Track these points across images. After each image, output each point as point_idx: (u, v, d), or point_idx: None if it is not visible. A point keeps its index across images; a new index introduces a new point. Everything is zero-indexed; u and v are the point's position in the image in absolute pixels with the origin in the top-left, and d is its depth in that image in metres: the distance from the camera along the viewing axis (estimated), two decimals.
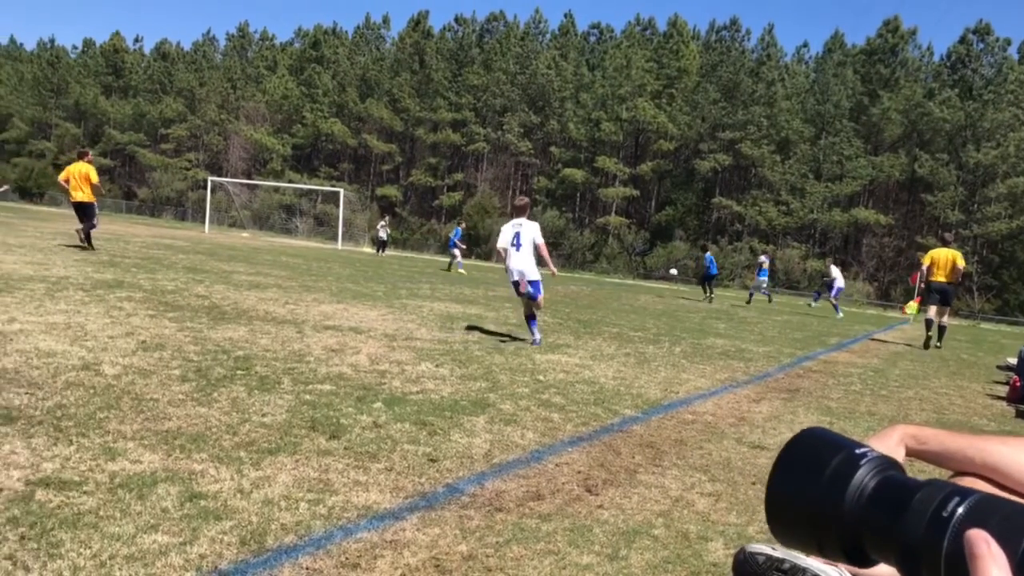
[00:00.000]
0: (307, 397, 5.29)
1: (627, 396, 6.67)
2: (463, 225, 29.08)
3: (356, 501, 3.48)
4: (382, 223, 36.40)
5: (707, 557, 3.30)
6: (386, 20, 73.02)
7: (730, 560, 2.10)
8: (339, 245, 40.75)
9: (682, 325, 14.49)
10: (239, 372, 5.84)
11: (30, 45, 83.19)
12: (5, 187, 63.03)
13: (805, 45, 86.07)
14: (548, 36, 67.73)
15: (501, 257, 9.64)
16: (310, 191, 58.44)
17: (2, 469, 3.40)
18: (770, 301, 29.40)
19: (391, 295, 13.58)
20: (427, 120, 61.94)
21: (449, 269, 27.10)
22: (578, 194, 61.53)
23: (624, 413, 5.99)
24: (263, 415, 4.72)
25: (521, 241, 9.24)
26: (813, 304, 28.41)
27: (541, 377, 7.06)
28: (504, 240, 9.39)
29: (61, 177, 16.60)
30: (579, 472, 4.34)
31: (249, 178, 60.55)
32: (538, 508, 3.68)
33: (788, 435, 1.66)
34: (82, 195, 16.15)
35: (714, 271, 26.60)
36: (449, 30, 67.51)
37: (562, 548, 3.23)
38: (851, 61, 56.69)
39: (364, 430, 4.63)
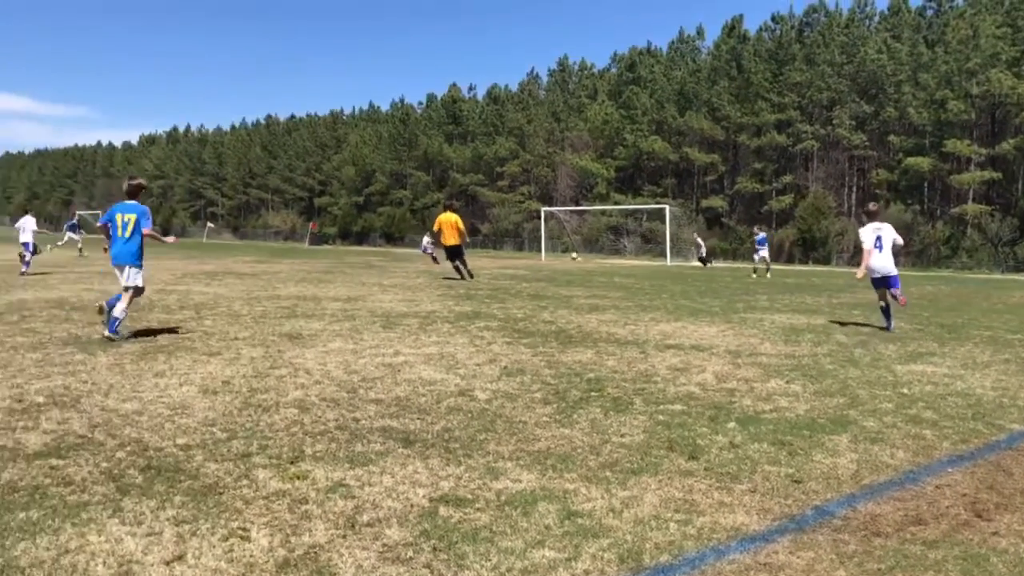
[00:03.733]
0: (660, 417, 5.41)
1: (1012, 409, 5.94)
2: (766, 231, 29.14)
3: (724, 522, 3.50)
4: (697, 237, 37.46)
5: None
6: (700, 31, 72.33)
7: None
8: (668, 261, 40.97)
9: None
10: (593, 394, 6.14)
11: (385, 106, 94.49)
12: (315, 228, 72.37)
13: None
14: (876, 19, 62.74)
15: (861, 258, 10.94)
16: (635, 210, 59.59)
17: (409, 487, 3.92)
18: None
19: (728, 310, 13.37)
20: (749, 125, 60.18)
21: (756, 273, 27.42)
22: (925, 184, 55.88)
23: (1011, 428, 5.35)
24: (622, 436, 4.92)
25: (883, 243, 10.65)
26: None
27: (905, 390, 6.54)
28: (868, 242, 10.71)
29: (435, 227, 19.42)
30: (964, 495, 3.96)
31: (577, 204, 63.21)
32: (921, 534, 3.43)
33: None
34: (453, 240, 18.96)
35: None
36: (766, 30, 65.28)
37: None
38: None
39: (722, 450, 4.63)
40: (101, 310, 8.82)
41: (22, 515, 3.45)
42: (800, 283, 23.17)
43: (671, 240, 43.33)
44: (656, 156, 64.11)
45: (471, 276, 19.42)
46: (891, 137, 56.16)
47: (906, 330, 10.84)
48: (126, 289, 8.82)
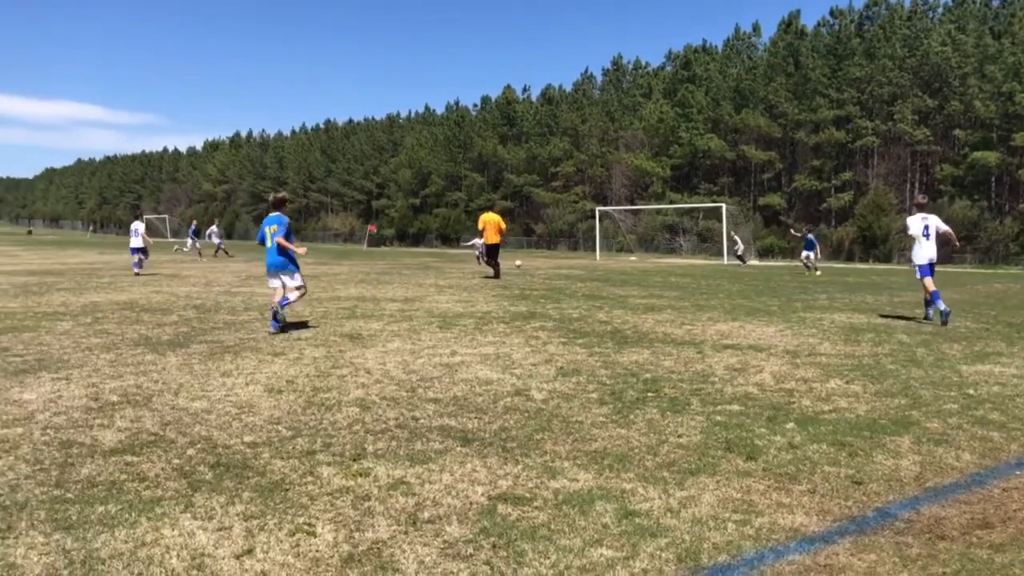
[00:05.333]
0: (718, 418, 5.39)
1: None
2: (812, 232, 29.23)
3: (782, 523, 3.50)
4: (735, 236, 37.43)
5: None
6: (756, 28, 71.18)
7: None
8: (724, 260, 40.48)
9: None
10: (650, 394, 6.14)
11: (440, 109, 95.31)
12: (372, 231, 73.22)
13: None
14: (940, 10, 61.09)
15: (908, 246, 11.77)
16: (691, 209, 59.01)
17: (468, 485, 4.00)
18: None
19: (786, 309, 13.19)
20: (807, 122, 59.09)
21: (809, 270, 27.23)
22: (992, 179, 54.21)
23: None
24: (679, 436, 4.92)
25: (930, 232, 11.21)
26: None
27: (971, 391, 6.39)
28: (916, 230, 11.24)
29: (479, 226, 20.42)
30: None
31: (632, 203, 62.89)
32: (987, 537, 3.37)
33: None
34: (494, 239, 19.97)
35: None
36: (824, 25, 64.05)
37: None
38: None
39: (780, 451, 4.61)
40: (276, 315, 9.46)
41: (101, 509, 3.61)
42: (860, 282, 22.71)
43: (728, 239, 42.84)
44: (712, 154, 63.39)
45: (496, 275, 20.46)
46: (956, 131, 54.61)
47: (972, 329, 10.57)
48: (295, 289, 9.73)
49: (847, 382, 6.70)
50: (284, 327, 9.49)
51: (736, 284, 20.17)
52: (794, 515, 3.59)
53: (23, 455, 4.43)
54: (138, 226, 22.24)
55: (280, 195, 10.28)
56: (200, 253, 35.71)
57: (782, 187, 63.53)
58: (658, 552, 3.18)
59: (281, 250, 9.67)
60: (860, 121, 57.49)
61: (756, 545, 3.26)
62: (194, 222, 43.68)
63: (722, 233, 43.28)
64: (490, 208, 22.05)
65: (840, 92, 58.02)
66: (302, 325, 10.17)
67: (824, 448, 4.66)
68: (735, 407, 5.72)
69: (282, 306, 9.55)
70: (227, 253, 34.75)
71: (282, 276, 9.71)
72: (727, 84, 65.11)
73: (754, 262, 42.74)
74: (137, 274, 20.87)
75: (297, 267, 9.85)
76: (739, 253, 38.28)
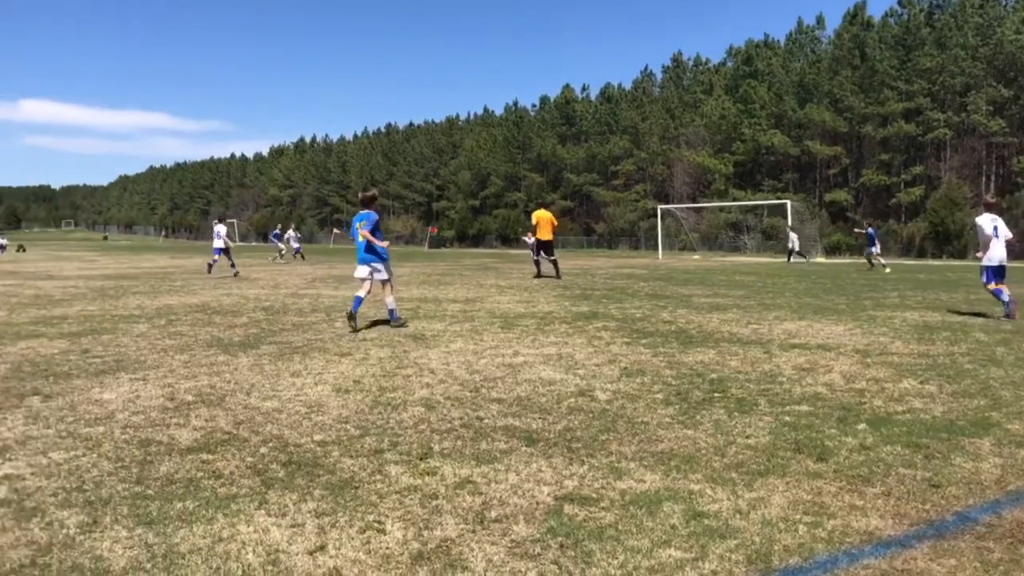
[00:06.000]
0: (786, 418, 5.30)
1: None
2: (873, 228, 29.01)
3: (856, 526, 3.42)
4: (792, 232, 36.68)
5: None
6: (820, 21, 69.47)
7: None
8: (790, 258, 39.69)
9: None
10: (716, 395, 6.07)
11: (499, 111, 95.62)
12: (434, 231, 73.72)
13: None
14: None
15: (984, 246, 11.49)
16: (755, 206, 58.02)
17: (534, 485, 4.01)
18: None
19: (855, 307, 12.88)
20: (874, 115, 57.52)
21: (876, 266, 27.02)
22: None
23: None
24: (747, 437, 4.85)
25: (999, 233, 11.34)
26: None
27: None
28: (988, 230, 11.33)
29: (533, 221, 20.77)
30: None
31: (694, 201, 62.10)
32: None
33: None
34: (547, 235, 20.35)
35: None
36: (891, 15, 62.31)
37: None
38: None
39: (852, 452, 4.51)
40: (351, 316, 9.91)
41: (179, 505, 3.73)
42: (933, 279, 22.03)
43: (785, 236, 41.98)
44: (776, 150, 62.23)
45: (538, 276, 21.03)
46: None
47: None
48: (383, 283, 10.26)
49: (921, 382, 6.51)
50: (355, 327, 9.87)
51: (803, 282, 19.78)
52: (868, 518, 3.51)
53: (105, 452, 4.60)
54: (220, 228, 23.40)
55: (369, 193, 10.62)
56: (281, 255, 36.45)
57: (849, 183, 62.02)
58: (727, 554, 3.15)
59: (369, 245, 10.05)
60: (931, 113, 55.76)
61: (829, 548, 3.20)
62: (279, 226, 44.61)
63: (787, 230, 42.47)
64: (544, 205, 22.51)
65: (909, 84, 56.37)
66: (375, 324, 10.33)
67: (898, 450, 4.54)
68: (804, 407, 5.61)
69: (355, 310, 9.96)
70: (302, 257, 35.44)
71: (372, 266, 10.16)
72: (790, 79, 63.85)
73: (820, 259, 41.84)
74: (209, 269, 22.57)
75: (385, 261, 10.23)
76: (794, 249, 37.56)
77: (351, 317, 9.90)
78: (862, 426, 5.07)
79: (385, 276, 10.25)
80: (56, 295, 15.93)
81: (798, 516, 3.54)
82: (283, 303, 13.85)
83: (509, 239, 74.99)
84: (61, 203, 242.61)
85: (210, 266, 23.44)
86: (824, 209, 60.30)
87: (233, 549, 3.23)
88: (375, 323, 10.65)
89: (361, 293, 10.12)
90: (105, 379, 6.83)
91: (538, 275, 21.11)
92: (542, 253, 20.96)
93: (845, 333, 9.59)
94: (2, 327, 10.59)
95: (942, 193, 52.85)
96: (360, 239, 10.10)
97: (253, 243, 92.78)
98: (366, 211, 10.21)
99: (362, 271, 10.22)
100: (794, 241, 37.82)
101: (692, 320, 10.99)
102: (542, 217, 20.47)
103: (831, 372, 6.99)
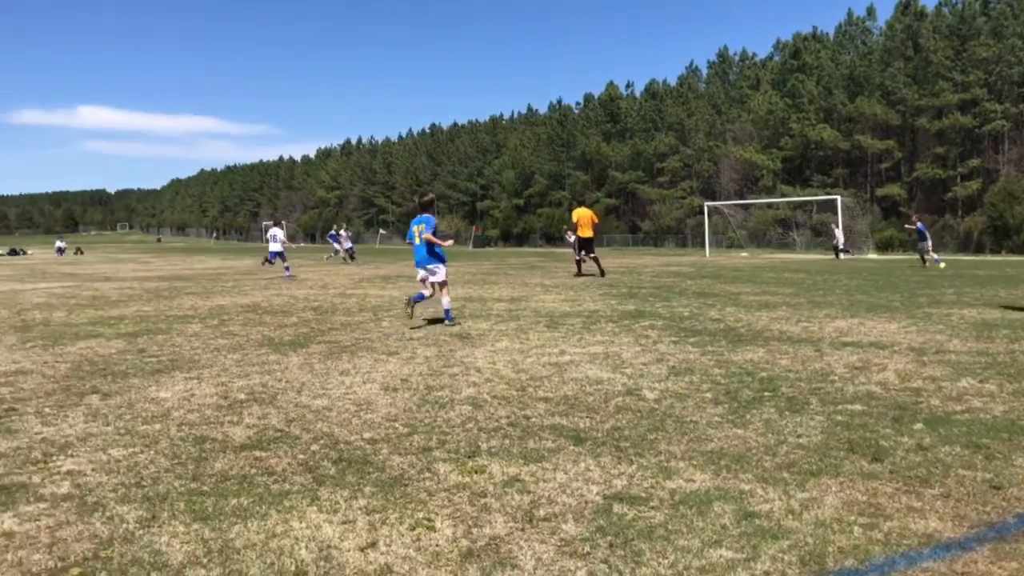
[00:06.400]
0: (839, 418, 5.21)
1: None
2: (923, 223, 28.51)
3: (914, 528, 3.35)
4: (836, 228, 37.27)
5: None
6: (870, 11, 68.04)
7: None
8: (838, 255, 39.00)
9: None
10: (766, 393, 5.99)
11: (543, 109, 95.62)
12: (477, 231, 73.76)
13: None
14: None
15: None
16: (804, 202, 57.11)
17: (583, 484, 4.00)
18: None
19: (910, 304, 12.60)
20: (928, 107, 56.24)
21: (926, 263, 26.44)
22: None
23: None
24: (798, 436, 4.78)
25: None
26: None
27: None
28: None
29: (574, 219, 21.05)
30: None
31: (742, 198, 61.32)
32: None
33: None
34: (588, 233, 20.59)
35: None
36: (945, 4, 60.81)
37: None
38: None
39: (908, 452, 4.41)
40: (409, 302, 10.45)
41: (234, 501, 3.80)
42: (992, 275, 21.45)
43: (844, 232, 41.25)
44: (825, 145, 61.19)
45: (579, 274, 21.00)
46: None
47: None
48: (440, 285, 10.52)
49: (981, 381, 6.34)
50: (411, 313, 10.46)
51: (854, 279, 19.40)
52: (926, 520, 3.43)
53: (162, 449, 4.71)
54: (276, 232, 23.99)
55: (427, 197, 11.01)
56: (337, 254, 36.69)
57: (901, 177, 60.72)
58: (780, 554, 3.10)
59: (429, 247, 10.40)
60: (988, 104, 54.32)
61: (885, 550, 3.14)
62: (334, 227, 44.71)
63: (832, 227, 41.75)
64: (584, 203, 22.63)
65: (965, 74, 54.98)
66: (432, 323, 10.43)
67: (957, 450, 4.43)
68: (857, 407, 5.51)
69: (417, 300, 10.43)
70: (351, 258, 35.43)
71: (428, 268, 10.48)
72: (840, 72, 62.74)
73: (872, 256, 41.05)
74: (266, 262, 23.81)
75: (443, 262, 10.58)
76: (839, 246, 36.93)
77: (410, 303, 10.38)
78: (919, 426, 4.96)
79: (442, 278, 10.50)
80: (113, 296, 16.35)
81: (853, 517, 3.47)
82: (331, 303, 14.02)
83: (554, 238, 74.89)
84: (116, 206, 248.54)
85: (267, 260, 24.26)
86: (875, 204, 59.16)
87: (286, 545, 3.28)
88: (432, 321, 10.73)
89: (425, 292, 10.52)
90: (161, 378, 6.99)
91: (579, 273, 21.11)
92: (583, 251, 21.03)
93: (899, 331, 9.39)
94: (62, 327, 10.90)
95: (1000, 186, 51.49)
96: (418, 242, 10.43)
97: (301, 244, 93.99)
98: (424, 214, 10.53)
99: (421, 273, 10.56)
100: (839, 237, 37.23)
101: (741, 318, 10.86)
102: (582, 215, 20.63)
103: (885, 371, 6.84)
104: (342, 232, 37.59)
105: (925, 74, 56.91)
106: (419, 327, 10.27)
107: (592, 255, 20.82)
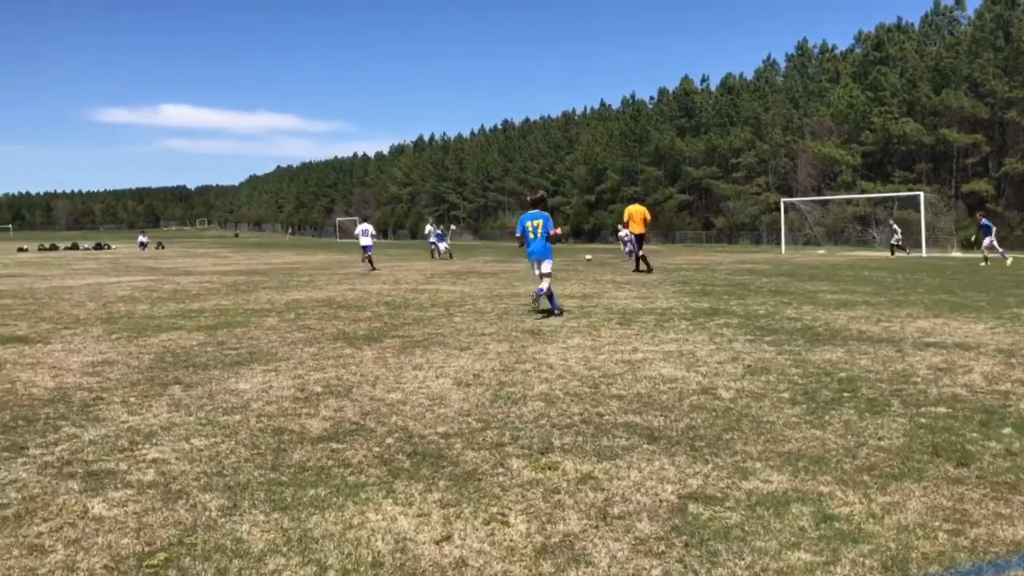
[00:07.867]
0: (922, 420, 5.05)
1: None
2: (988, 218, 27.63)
3: (1002, 535, 3.23)
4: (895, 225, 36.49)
5: None
6: (959, 1, 65.61)
7: None
8: (923, 252, 37.70)
9: None
10: (845, 394, 5.85)
11: (616, 104, 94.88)
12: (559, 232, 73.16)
13: None
14: None
15: None
16: (885, 198, 55.34)
17: (657, 483, 3.97)
18: None
19: (997, 304, 12.11)
20: (1019, 100, 53.88)
21: (986, 261, 25.87)
22: None
23: None
24: (879, 439, 4.66)
25: None
26: None
27: None
28: None
29: (625, 216, 21.93)
30: None
31: (819, 194, 59.76)
32: None
33: None
34: (639, 229, 21.16)
35: None
36: None
37: None
38: None
39: (996, 457, 4.25)
40: (535, 298, 11.21)
41: (312, 492, 3.89)
42: (1007, 268, 20.46)
43: (927, 230, 39.88)
44: (908, 139, 59.17)
45: (636, 270, 21.34)
46: None
47: None
48: (545, 275, 11.14)
49: None
50: (536, 307, 11.17)
51: (937, 278, 18.76)
52: (1016, 527, 3.31)
53: (242, 440, 4.85)
54: (366, 227, 25.46)
55: (539, 195, 11.75)
56: (439, 252, 36.61)
57: (989, 172, 58.31)
58: (861, 559, 3.03)
59: (541, 243, 11.08)
60: None
61: (972, 557, 3.03)
62: (440, 227, 42.99)
63: (920, 224, 40.37)
64: (637, 200, 23.16)
65: None
66: (550, 313, 11.10)
67: None
68: (941, 409, 5.33)
69: (539, 295, 11.08)
70: (439, 255, 35.13)
71: (541, 262, 11.13)
72: (924, 64, 60.53)
73: (956, 254, 39.58)
74: (369, 262, 24.67)
75: (552, 256, 11.24)
76: (897, 243, 35.71)
77: (536, 299, 11.13)
78: (1007, 430, 4.78)
79: (548, 270, 11.15)
80: (192, 290, 16.90)
81: (937, 523, 3.37)
82: (404, 298, 14.22)
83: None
84: (196, 202, 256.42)
85: (369, 260, 24.99)
86: (960, 200, 56.98)
87: (363, 536, 3.35)
88: (548, 312, 11.13)
89: (544, 285, 11.10)
90: (240, 370, 7.20)
91: (636, 269, 21.38)
92: (640, 247, 21.41)
93: (986, 332, 9.04)
94: (145, 320, 11.32)
95: None
96: (531, 236, 11.12)
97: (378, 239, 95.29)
98: (535, 211, 11.28)
99: (535, 267, 11.32)
100: (899, 234, 36.16)
101: (818, 317, 10.61)
102: (634, 212, 21.19)
103: (971, 373, 6.60)
104: (429, 227, 37.64)
105: (1016, 65, 54.50)
106: (491, 323, 10.33)
107: (640, 252, 21.14)
